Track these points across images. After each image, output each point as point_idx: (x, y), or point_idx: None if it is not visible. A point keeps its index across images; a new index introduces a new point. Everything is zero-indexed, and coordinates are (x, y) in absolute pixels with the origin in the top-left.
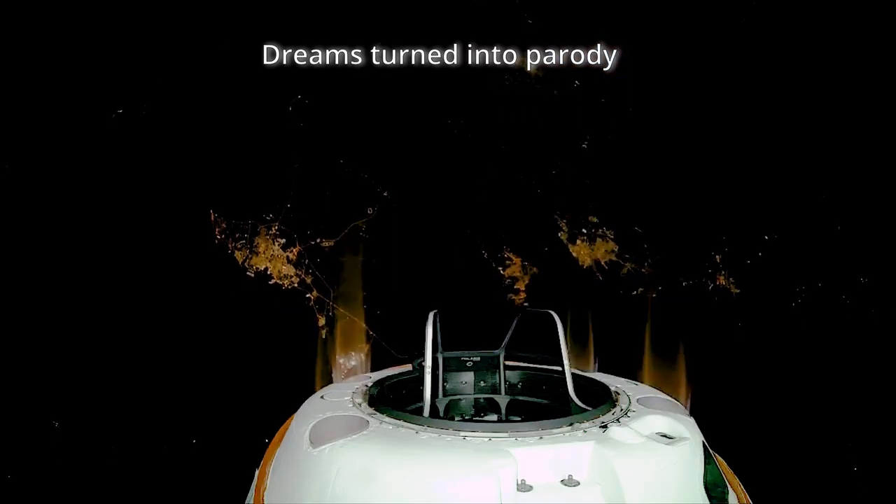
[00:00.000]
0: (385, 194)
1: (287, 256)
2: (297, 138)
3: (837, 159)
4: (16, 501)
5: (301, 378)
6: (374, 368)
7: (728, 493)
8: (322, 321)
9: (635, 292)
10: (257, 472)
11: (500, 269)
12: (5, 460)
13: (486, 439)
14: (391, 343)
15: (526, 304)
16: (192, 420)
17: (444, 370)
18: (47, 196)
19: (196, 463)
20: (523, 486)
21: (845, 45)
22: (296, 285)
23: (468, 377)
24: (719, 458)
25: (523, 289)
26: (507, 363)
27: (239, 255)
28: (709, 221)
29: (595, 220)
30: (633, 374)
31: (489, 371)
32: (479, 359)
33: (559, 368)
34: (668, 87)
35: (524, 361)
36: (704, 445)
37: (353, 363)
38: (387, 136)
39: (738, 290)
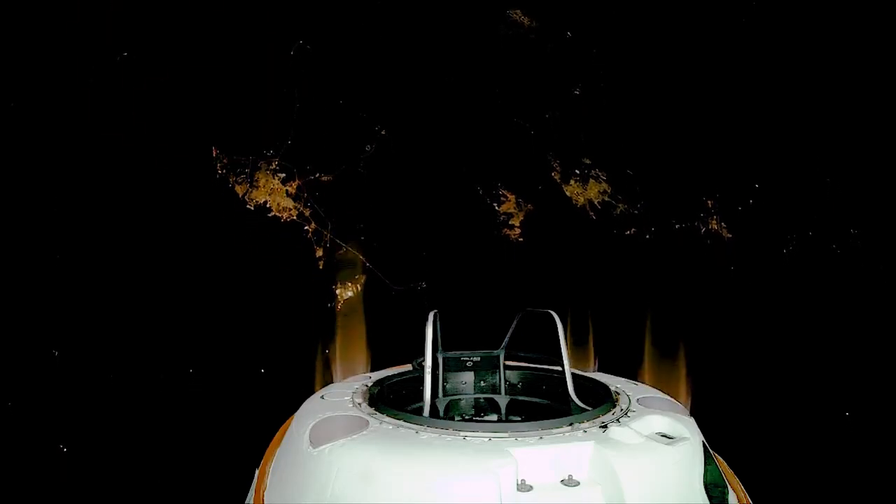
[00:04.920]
0: (382, 132)
1: (286, 190)
2: (298, 79)
3: (827, 112)
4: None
5: (302, 318)
6: (367, 301)
7: (728, 493)
8: (319, 252)
9: (628, 232)
10: (257, 472)
11: (495, 205)
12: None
13: (486, 439)
14: (385, 274)
15: (521, 238)
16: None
17: (444, 370)
18: (52, 134)
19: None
20: (523, 486)
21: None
22: (294, 217)
23: (468, 377)
24: (719, 458)
25: (518, 225)
26: (507, 363)
27: (239, 189)
28: (700, 166)
29: (588, 161)
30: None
31: (489, 371)
32: (479, 359)
33: (559, 368)
34: (662, 38)
35: (524, 361)
36: (704, 445)
37: (349, 294)
38: (385, 79)
39: (731, 235)
